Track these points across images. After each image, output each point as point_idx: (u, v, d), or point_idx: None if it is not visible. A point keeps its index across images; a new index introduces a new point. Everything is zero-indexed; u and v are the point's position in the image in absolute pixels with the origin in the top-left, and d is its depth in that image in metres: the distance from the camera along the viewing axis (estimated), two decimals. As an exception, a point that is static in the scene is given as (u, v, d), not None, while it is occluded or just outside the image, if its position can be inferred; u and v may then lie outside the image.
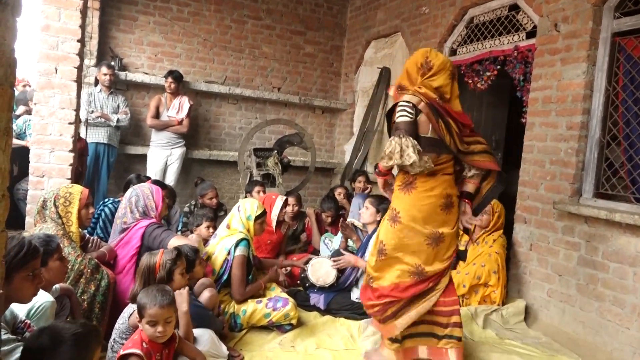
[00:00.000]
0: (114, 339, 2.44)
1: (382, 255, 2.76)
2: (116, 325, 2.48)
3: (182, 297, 2.47)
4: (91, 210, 3.04)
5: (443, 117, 2.62)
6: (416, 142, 2.54)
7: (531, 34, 4.24)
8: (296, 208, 4.87)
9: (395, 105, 2.70)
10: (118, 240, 3.17)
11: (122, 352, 2.12)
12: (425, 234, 2.70)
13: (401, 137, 2.53)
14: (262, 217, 3.58)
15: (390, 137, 2.66)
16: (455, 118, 2.67)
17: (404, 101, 2.63)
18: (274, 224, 4.14)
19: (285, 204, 4.34)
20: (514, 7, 4.47)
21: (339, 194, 5.44)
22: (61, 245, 2.44)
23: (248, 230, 3.50)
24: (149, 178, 4.48)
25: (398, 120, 2.61)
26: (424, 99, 2.61)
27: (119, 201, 4.21)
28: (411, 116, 2.59)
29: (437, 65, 2.69)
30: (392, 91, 2.86)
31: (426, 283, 2.73)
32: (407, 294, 2.71)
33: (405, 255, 2.72)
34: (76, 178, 4.09)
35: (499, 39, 4.61)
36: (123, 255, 3.07)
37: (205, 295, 2.97)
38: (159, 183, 4.01)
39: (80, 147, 4.53)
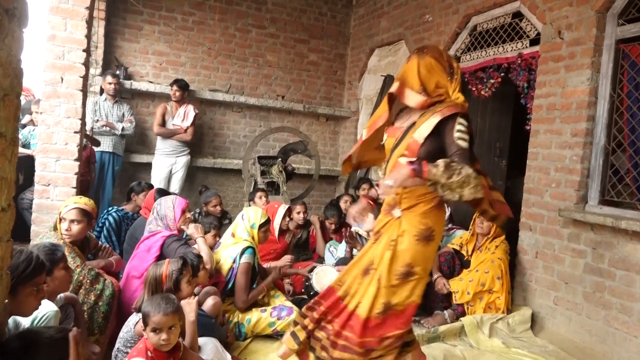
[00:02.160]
0: (118, 348, 2.43)
1: (409, 277, 2.35)
2: (120, 334, 2.48)
3: (190, 307, 2.46)
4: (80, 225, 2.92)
5: None
6: None
7: (535, 42, 4.24)
8: (305, 215, 4.87)
9: (448, 119, 2.25)
10: (139, 244, 3.17)
11: (126, 361, 2.12)
12: None
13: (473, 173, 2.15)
14: (266, 225, 3.59)
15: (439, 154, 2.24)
16: None
17: (464, 120, 2.26)
18: (276, 233, 4.16)
19: (289, 213, 4.34)
20: (518, 15, 4.47)
21: (345, 202, 5.42)
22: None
23: (253, 238, 3.50)
24: (151, 186, 4.49)
25: (463, 145, 2.23)
26: None
27: (122, 209, 4.24)
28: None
29: (456, 68, 2.39)
30: (397, 89, 2.37)
31: None
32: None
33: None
34: (84, 186, 4.11)
35: (502, 46, 4.62)
36: (142, 263, 3.03)
37: (208, 303, 2.96)
38: (163, 191, 4.02)
39: (86, 154, 4.55)
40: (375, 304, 2.32)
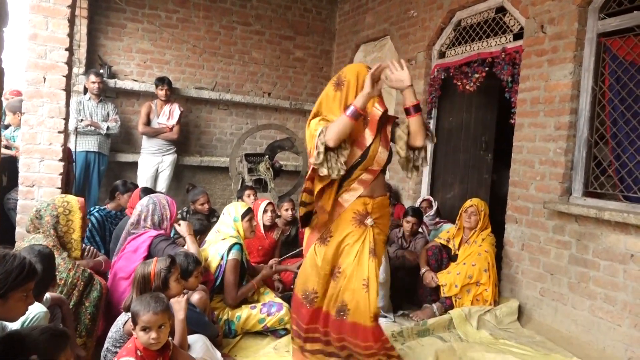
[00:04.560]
0: (107, 348, 2.42)
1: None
2: (109, 334, 2.47)
3: (179, 305, 2.46)
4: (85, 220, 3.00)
5: None
6: None
7: (518, 36, 4.28)
8: (292, 212, 4.86)
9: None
10: (124, 246, 3.12)
11: (116, 361, 2.11)
12: None
13: None
14: (248, 215, 3.57)
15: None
16: None
17: None
18: (262, 229, 4.17)
19: (271, 207, 4.34)
20: (501, 10, 4.51)
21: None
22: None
23: (239, 232, 3.49)
24: (136, 186, 4.45)
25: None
26: None
27: (104, 209, 4.19)
28: None
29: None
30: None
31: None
32: None
33: None
34: (65, 187, 4.06)
35: (486, 41, 4.65)
36: (129, 263, 2.99)
37: (194, 298, 2.94)
38: (148, 190, 3.99)
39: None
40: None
